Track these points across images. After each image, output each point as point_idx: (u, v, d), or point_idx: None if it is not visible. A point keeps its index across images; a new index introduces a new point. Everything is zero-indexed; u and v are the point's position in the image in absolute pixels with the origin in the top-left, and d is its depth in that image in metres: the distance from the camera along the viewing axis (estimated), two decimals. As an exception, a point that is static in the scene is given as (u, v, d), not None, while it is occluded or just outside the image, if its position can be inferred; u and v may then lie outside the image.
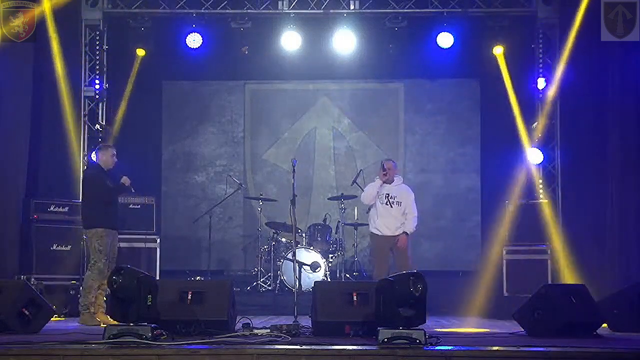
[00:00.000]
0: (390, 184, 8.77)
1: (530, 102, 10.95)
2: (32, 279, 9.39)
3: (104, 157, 8.42)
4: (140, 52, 11.15)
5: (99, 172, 8.40)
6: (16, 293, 6.81)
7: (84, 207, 8.45)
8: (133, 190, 8.55)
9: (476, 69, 11.82)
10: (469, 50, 11.22)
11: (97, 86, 11.00)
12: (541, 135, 10.75)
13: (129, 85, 11.29)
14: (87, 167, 8.90)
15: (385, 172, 8.71)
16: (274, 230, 11.00)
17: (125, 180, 8.35)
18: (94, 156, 9.26)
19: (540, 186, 10.81)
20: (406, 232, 8.72)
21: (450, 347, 5.41)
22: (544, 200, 10.53)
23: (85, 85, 10.99)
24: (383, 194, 8.73)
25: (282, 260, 10.49)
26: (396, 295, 5.74)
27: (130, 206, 10.48)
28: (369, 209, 9.01)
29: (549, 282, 9.76)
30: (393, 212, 8.72)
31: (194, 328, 6.24)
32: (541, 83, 10.75)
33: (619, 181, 9.50)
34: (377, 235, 8.81)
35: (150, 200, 10.69)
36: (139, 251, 10.32)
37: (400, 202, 8.73)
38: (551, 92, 10.75)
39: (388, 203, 8.72)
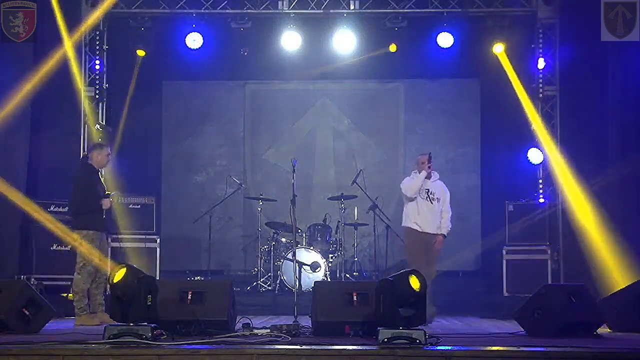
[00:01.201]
0: (429, 179, 8.46)
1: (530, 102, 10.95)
2: (32, 279, 9.41)
3: (99, 157, 8.27)
4: (141, 53, 11.15)
5: (91, 175, 8.24)
6: (16, 293, 6.80)
7: (75, 207, 8.23)
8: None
9: (476, 69, 11.82)
10: (469, 50, 11.22)
11: (97, 86, 11.01)
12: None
13: (132, 86, 11.30)
14: (80, 166, 8.64)
15: (430, 165, 8.38)
16: (274, 230, 11.00)
17: (105, 203, 8.18)
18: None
19: (540, 186, 10.83)
20: (444, 235, 8.46)
21: (450, 347, 5.40)
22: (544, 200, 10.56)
23: (85, 85, 10.99)
24: (423, 189, 8.41)
25: (282, 260, 10.49)
26: (396, 295, 5.74)
27: (130, 206, 10.49)
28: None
29: (549, 282, 9.77)
30: (434, 209, 8.41)
31: (194, 328, 6.24)
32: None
33: (619, 181, 9.50)
34: (417, 231, 8.43)
35: (150, 200, 10.71)
36: (139, 251, 10.33)
37: (439, 199, 8.43)
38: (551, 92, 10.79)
39: (428, 199, 8.40)
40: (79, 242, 8.05)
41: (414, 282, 5.77)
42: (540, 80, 10.83)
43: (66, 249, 9.93)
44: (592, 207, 9.63)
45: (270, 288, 10.66)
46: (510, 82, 10.86)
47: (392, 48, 11.15)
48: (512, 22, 10.88)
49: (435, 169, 8.56)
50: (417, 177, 8.43)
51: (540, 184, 10.85)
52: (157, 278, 9.42)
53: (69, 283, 9.82)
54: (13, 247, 9.86)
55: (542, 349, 5.34)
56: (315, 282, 7.74)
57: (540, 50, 10.82)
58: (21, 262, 9.86)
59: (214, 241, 11.41)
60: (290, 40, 10.97)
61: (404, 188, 8.52)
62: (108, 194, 8.34)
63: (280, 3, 10.88)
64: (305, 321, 6.88)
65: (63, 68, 10.69)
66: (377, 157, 12.32)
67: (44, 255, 9.82)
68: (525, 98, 10.76)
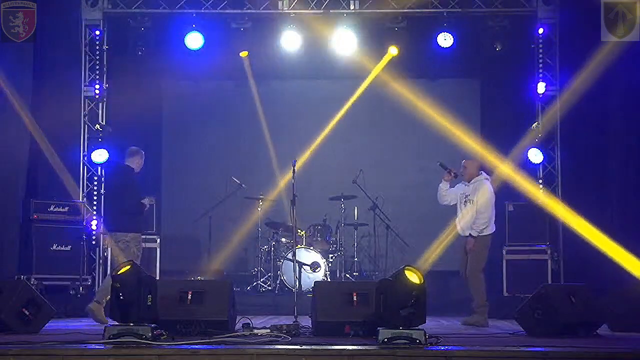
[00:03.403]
0: (468, 182, 8.44)
1: (530, 102, 10.95)
2: (32, 279, 9.41)
3: (140, 162, 8.60)
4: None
5: (136, 178, 8.53)
6: (16, 293, 6.81)
7: (122, 210, 8.38)
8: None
9: (476, 69, 11.81)
10: (469, 50, 11.21)
11: (97, 86, 11.02)
12: (541, 135, 10.76)
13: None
14: (122, 169, 8.71)
15: (449, 170, 8.46)
16: (274, 230, 11.00)
17: (146, 202, 8.59)
18: (101, 154, 9.74)
19: (540, 186, 10.82)
20: (471, 235, 8.32)
21: (450, 347, 5.40)
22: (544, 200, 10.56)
23: (85, 85, 11.00)
24: (463, 194, 8.47)
25: (282, 260, 10.49)
26: (396, 295, 5.74)
27: (131, 206, 10.48)
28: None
29: (549, 282, 9.77)
30: (469, 211, 8.38)
31: (194, 328, 6.24)
32: (541, 88, 10.73)
33: (619, 181, 9.51)
34: (459, 234, 8.60)
35: (151, 200, 10.69)
36: (139, 251, 10.32)
37: (473, 201, 8.37)
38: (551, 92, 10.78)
39: (465, 202, 8.44)
40: (127, 244, 8.26)
41: (412, 277, 5.77)
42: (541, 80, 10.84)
43: (66, 249, 9.96)
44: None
45: (270, 288, 10.66)
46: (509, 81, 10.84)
47: (393, 52, 11.20)
48: (512, 23, 10.87)
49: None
50: (439, 187, 8.59)
51: (541, 184, 10.84)
52: (157, 278, 9.43)
53: (69, 283, 9.88)
54: (13, 247, 9.86)
55: (542, 349, 5.34)
56: (315, 282, 7.76)
57: (540, 50, 10.81)
58: (21, 262, 9.86)
59: (214, 241, 11.40)
60: (290, 40, 10.97)
61: None
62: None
63: (280, 3, 10.89)
64: (305, 321, 6.88)
65: (63, 68, 10.72)
66: (377, 157, 12.30)
67: (44, 255, 9.83)
68: None
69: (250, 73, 11.93)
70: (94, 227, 10.65)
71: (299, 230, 10.46)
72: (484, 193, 8.38)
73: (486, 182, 8.48)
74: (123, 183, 8.51)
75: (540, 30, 10.77)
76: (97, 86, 11.01)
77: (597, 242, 9.39)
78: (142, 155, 8.67)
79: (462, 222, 8.45)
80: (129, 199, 8.37)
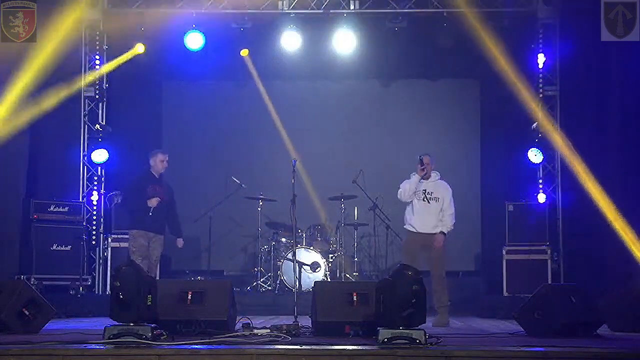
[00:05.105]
0: (427, 179, 8.41)
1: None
2: (32, 279, 9.42)
3: (158, 162, 8.95)
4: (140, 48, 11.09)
5: (142, 178, 8.84)
6: (16, 293, 6.81)
7: (125, 209, 9.17)
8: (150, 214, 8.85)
9: (476, 69, 11.80)
10: (469, 50, 11.20)
11: (97, 86, 11.01)
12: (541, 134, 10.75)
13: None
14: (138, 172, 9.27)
15: (423, 167, 8.36)
16: (274, 230, 10.99)
17: (151, 202, 8.76)
18: (101, 154, 10.48)
19: (540, 186, 10.83)
20: (443, 232, 8.34)
21: (450, 347, 5.40)
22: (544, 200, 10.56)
23: (85, 85, 10.99)
24: (420, 190, 8.38)
25: (282, 260, 10.49)
26: (396, 295, 5.74)
27: (131, 206, 10.49)
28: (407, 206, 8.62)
29: (549, 282, 9.77)
30: (431, 209, 8.36)
31: (194, 328, 6.24)
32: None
33: (619, 181, 9.50)
34: (412, 232, 8.47)
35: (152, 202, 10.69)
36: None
37: (438, 198, 8.36)
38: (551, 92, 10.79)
39: (425, 199, 8.36)
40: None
41: (410, 275, 5.76)
42: (540, 80, 10.82)
43: (66, 249, 9.96)
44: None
45: (270, 288, 10.66)
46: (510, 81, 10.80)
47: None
48: (512, 22, 10.86)
49: (436, 169, 8.50)
50: (409, 182, 8.44)
51: (540, 184, 10.84)
52: (157, 278, 9.43)
53: (69, 283, 9.87)
54: (13, 247, 9.87)
55: (542, 349, 5.34)
56: (315, 282, 7.76)
57: (540, 50, 10.81)
58: (21, 262, 9.87)
59: (214, 241, 11.39)
60: (290, 40, 10.97)
61: (398, 193, 8.51)
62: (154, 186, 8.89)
63: (280, 3, 10.88)
64: (305, 321, 6.88)
65: (63, 68, 10.70)
66: (377, 157, 12.30)
67: (44, 255, 9.84)
68: None
69: (253, 71, 11.93)
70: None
71: (300, 230, 10.48)
72: (447, 190, 8.42)
73: (443, 180, 8.52)
74: (130, 181, 9.16)
75: (540, 31, 10.79)
76: (97, 86, 11.01)
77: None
78: (159, 156, 8.98)
79: (427, 220, 8.36)
80: (127, 199, 9.05)
